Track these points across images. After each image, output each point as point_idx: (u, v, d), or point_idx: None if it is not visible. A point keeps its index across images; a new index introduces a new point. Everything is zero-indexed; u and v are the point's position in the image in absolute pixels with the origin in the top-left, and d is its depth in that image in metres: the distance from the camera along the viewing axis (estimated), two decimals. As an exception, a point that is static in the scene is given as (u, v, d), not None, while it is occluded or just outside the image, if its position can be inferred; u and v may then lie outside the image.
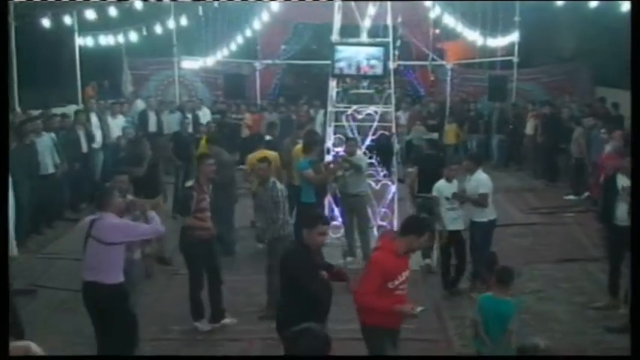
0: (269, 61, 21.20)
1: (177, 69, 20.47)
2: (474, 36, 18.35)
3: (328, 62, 11.61)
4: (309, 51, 21.97)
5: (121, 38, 18.94)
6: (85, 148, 13.36)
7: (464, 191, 8.97)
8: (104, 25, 18.58)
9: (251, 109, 19.00)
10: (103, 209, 6.40)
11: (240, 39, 19.87)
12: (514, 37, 19.40)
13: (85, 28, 18.25)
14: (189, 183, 8.04)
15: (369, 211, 10.91)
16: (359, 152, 10.60)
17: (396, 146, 11.48)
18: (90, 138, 13.49)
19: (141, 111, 16.55)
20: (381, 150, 11.45)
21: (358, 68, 10.87)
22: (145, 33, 18.55)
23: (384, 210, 11.28)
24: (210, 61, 20.03)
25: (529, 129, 17.00)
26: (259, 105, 19.74)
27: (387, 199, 11.19)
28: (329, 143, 11.26)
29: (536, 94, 20.47)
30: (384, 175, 11.22)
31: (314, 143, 10.13)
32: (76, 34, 17.96)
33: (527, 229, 12.14)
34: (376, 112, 11.22)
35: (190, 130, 15.42)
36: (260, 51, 21.49)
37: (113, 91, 20.35)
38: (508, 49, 19.81)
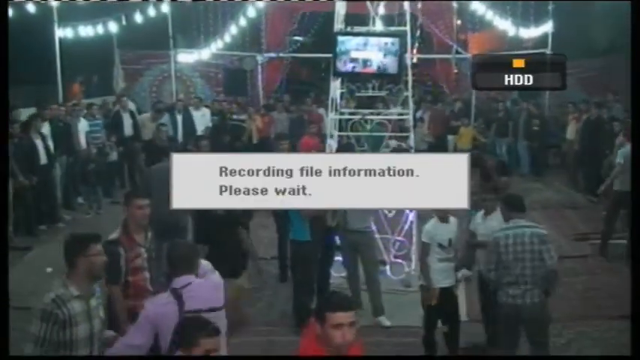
0: (272, 55, 18.62)
1: (173, 63, 18.05)
2: (505, 25, 15.65)
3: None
4: (318, 42, 19.39)
5: (110, 29, 16.45)
6: (44, 159, 10.93)
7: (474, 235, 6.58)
8: (90, 14, 16.16)
9: (259, 110, 16.31)
10: (194, 272, 4.51)
11: (242, 30, 17.43)
12: (547, 27, 16.77)
13: (68, 17, 15.82)
14: (114, 235, 5.38)
15: (381, 245, 8.42)
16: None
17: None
18: (48, 147, 11.04)
19: (114, 113, 13.99)
20: (396, 168, 8.87)
21: (367, 64, 8.32)
22: (137, 23, 16.15)
23: (399, 240, 8.79)
24: (209, 54, 17.61)
25: (569, 133, 14.37)
26: (267, 104, 17.09)
27: (404, 229, 8.69)
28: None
29: (572, 91, 17.74)
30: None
31: None
32: (56, 25, 15.45)
33: (578, 264, 9.52)
34: (389, 121, 8.68)
35: (180, 136, 13.02)
36: (264, 43, 18.90)
37: (103, 88, 17.96)
38: (539, 41, 17.19)
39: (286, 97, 17.47)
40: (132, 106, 14.71)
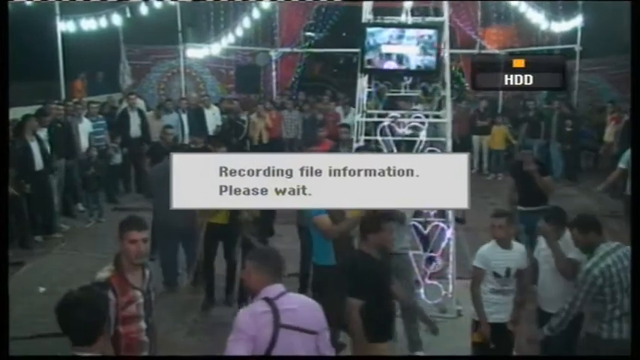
0: (287, 49, 17.50)
1: (182, 58, 17.04)
2: (537, 19, 14.52)
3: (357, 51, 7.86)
4: (334, 37, 18.31)
5: (116, 22, 15.32)
6: (40, 164, 9.86)
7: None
8: (94, 6, 15.07)
9: (267, 106, 15.08)
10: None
11: (255, 24, 16.38)
12: (577, 21, 15.66)
13: (71, 10, 14.74)
14: (103, 274, 4.19)
15: (414, 264, 7.31)
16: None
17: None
18: (44, 151, 9.95)
19: (121, 111, 12.93)
20: (432, 178, 7.65)
21: (400, 59, 7.20)
22: (144, 16, 15.09)
23: (434, 258, 7.66)
24: (220, 49, 16.55)
25: (608, 135, 13.23)
26: (274, 101, 15.95)
27: (441, 246, 7.58)
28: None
29: (602, 88, 16.65)
30: (435, 214, 7.54)
31: None
32: (58, 18, 14.35)
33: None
34: (424, 124, 7.57)
35: (186, 138, 11.98)
36: (278, 38, 17.77)
37: (108, 85, 16.90)
38: (569, 36, 16.10)
39: (301, 95, 16.34)
40: (141, 104, 13.67)
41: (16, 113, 10.57)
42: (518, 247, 5.64)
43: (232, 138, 13.63)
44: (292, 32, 17.67)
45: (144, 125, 12.53)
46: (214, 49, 16.69)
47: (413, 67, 7.16)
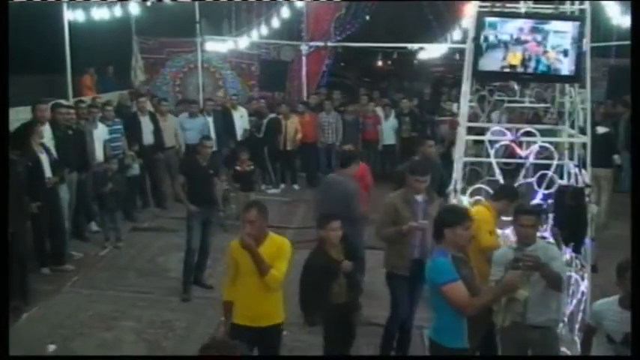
0: (320, 43, 15.53)
1: (200, 52, 15.24)
2: (614, 11, 12.66)
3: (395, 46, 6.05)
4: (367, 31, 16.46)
5: (128, 12, 13.48)
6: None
7: None
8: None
9: (298, 109, 13.04)
10: None
11: (280, 15, 14.49)
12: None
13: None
14: None
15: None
16: (545, 235, 5.09)
17: (593, 207, 5.66)
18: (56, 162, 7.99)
19: (130, 115, 10.89)
20: (564, 216, 5.63)
21: (533, 60, 5.32)
22: (159, 5, 13.30)
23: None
24: (242, 42, 14.64)
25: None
26: (308, 102, 13.95)
27: (572, 304, 5.73)
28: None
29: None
30: (568, 263, 5.67)
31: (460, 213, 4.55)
32: (65, 7, 12.39)
33: None
34: (554, 145, 5.71)
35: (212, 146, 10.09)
36: (306, 30, 15.82)
37: (119, 81, 15.03)
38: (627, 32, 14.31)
39: (336, 94, 14.37)
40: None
41: (17, 113, 8.71)
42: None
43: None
44: (322, 25, 15.70)
45: (157, 132, 10.61)
46: (236, 42, 14.83)
47: (545, 69, 5.27)
